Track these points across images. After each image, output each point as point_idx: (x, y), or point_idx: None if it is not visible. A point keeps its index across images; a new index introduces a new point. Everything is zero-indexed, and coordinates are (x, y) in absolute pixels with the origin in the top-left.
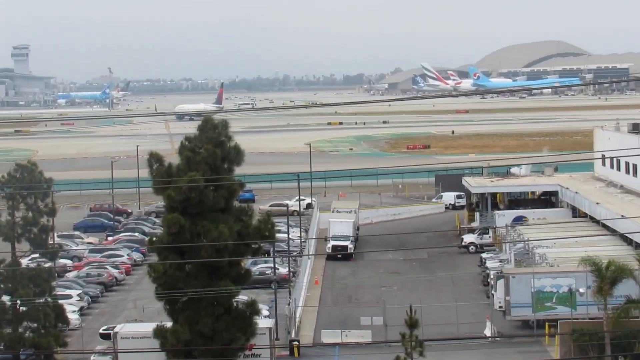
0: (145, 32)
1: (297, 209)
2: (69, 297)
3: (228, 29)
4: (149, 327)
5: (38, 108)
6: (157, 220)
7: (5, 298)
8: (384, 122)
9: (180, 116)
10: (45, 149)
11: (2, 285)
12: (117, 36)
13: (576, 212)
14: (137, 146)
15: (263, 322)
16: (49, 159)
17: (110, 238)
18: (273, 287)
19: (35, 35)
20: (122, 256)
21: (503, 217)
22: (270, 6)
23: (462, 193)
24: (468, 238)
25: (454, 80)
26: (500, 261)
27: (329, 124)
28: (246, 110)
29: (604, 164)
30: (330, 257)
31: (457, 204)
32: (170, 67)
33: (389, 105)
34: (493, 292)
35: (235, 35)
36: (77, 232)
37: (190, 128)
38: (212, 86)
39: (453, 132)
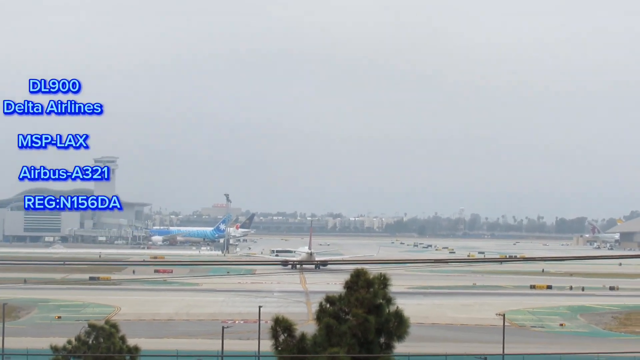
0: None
1: None
2: None
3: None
4: None
5: (124, 247)
6: None
7: None
8: (612, 289)
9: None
10: (131, 306)
11: None
12: (236, 150)
13: None
14: (260, 307)
15: None
16: (135, 319)
17: None
18: None
19: (124, 144)
20: None
21: None
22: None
23: None
24: None
25: None
26: None
27: (533, 287)
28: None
29: None
30: None
31: None
32: (310, 198)
33: (620, 264)
34: None
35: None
36: None
37: (335, 284)
38: (369, 225)
39: None
